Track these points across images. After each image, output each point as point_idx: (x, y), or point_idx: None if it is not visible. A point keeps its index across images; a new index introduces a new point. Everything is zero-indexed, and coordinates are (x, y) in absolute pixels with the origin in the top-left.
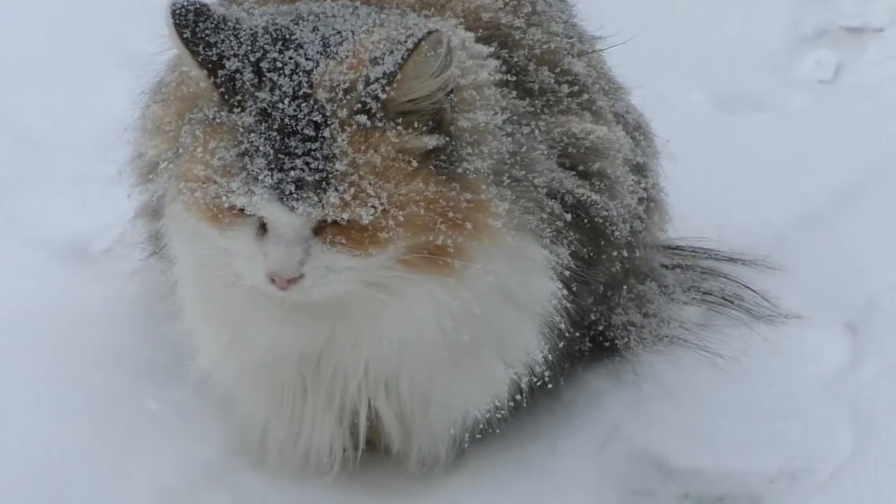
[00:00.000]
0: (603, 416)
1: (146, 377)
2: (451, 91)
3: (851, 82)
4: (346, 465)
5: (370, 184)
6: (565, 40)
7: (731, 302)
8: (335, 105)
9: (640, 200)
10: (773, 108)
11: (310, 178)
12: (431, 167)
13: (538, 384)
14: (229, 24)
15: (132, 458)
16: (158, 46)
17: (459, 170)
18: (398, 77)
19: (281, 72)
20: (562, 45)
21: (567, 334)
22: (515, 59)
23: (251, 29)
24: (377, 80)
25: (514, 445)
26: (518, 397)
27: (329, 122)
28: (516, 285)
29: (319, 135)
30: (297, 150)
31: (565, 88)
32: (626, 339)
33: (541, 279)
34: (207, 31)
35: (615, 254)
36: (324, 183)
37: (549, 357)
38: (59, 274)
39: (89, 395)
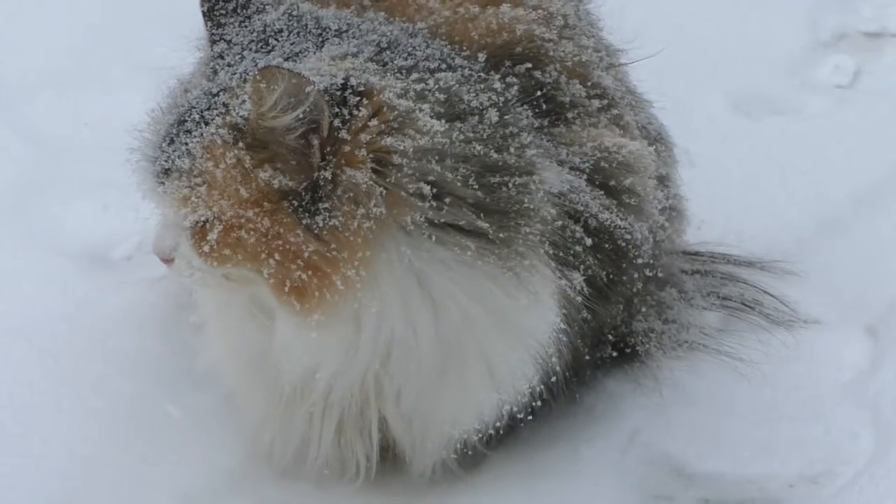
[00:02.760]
0: (623, 421)
1: (167, 384)
2: (323, 139)
3: (870, 86)
4: (369, 474)
5: (204, 192)
6: (595, 54)
7: (750, 307)
8: (216, 113)
9: (662, 210)
10: (792, 112)
11: (167, 166)
12: (285, 204)
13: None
14: (247, 10)
15: (154, 465)
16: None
17: (306, 221)
18: (252, 104)
19: (225, 69)
20: (592, 59)
21: (570, 357)
22: (547, 74)
23: (260, 23)
24: (243, 103)
25: (535, 449)
26: (536, 403)
27: (205, 125)
28: (510, 315)
29: (193, 133)
30: (176, 141)
31: (595, 103)
32: (647, 346)
33: (538, 312)
34: (223, 12)
35: (637, 275)
36: (170, 173)
37: (538, 388)
38: (81, 281)
39: (111, 401)
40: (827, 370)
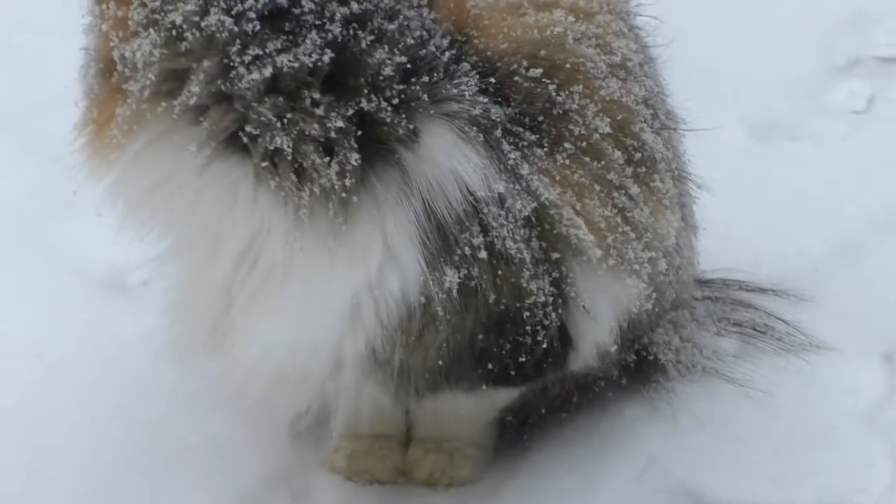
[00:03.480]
0: (639, 447)
1: (184, 409)
2: None
3: (885, 112)
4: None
5: None
6: (645, 107)
7: (763, 333)
8: None
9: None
10: (807, 137)
11: None
12: None
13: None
14: None
15: (170, 490)
16: None
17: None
18: None
19: None
20: (639, 110)
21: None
22: (568, 94)
23: None
24: None
25: (551, 474)
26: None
27: None
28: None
29: None
30: None
31: (620, 154)
32: (668, 356)
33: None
34: None
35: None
36: None
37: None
38: (97, 305)
39: (127, 426)
40: (843, 397)
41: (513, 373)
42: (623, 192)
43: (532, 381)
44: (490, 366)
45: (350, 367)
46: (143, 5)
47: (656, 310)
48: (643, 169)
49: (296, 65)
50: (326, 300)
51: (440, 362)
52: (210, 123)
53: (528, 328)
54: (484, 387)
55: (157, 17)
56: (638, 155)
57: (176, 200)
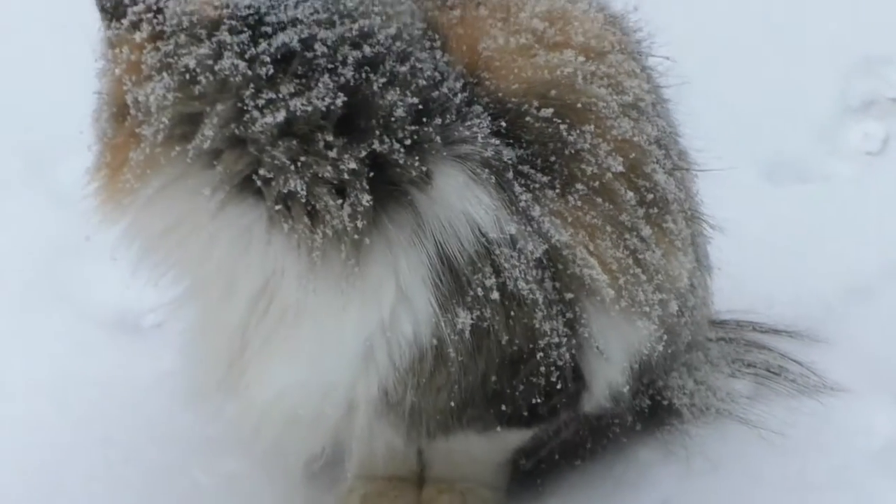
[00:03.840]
0: (653, 489)
1: (197, 451)
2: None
3: None
4: None
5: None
6: (658, 148)
7: (777, 374)
8: None
9: (691, 286)
10: (821, 178)
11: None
12: None
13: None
14: None
15: None
16: None
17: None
18: None
19: None
20: (652, 150)
21: None
22: (579, 134)
23: None
24: None
25: None
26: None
27: None
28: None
29: None
30: None
31: (632, 195)
32: (682, 401)
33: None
34: None
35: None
36: None
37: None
38: (111, 347)
39: (142, 469)
40: (856, 439)
41: (526, 414)
42: (635, 233)
43: (545, 422)
44: (503, 407)
45: (363, 409)
46: (157, 49)
47: (670, 350)
48: (655, 210)
49: (309, 108)
50: (340, 342)
51: (451, 404)
52: (224, 167)
53: (542, 369)
54: (498, 428)
55: (171, 60)
56: (650, 196)
57: (190, 244)
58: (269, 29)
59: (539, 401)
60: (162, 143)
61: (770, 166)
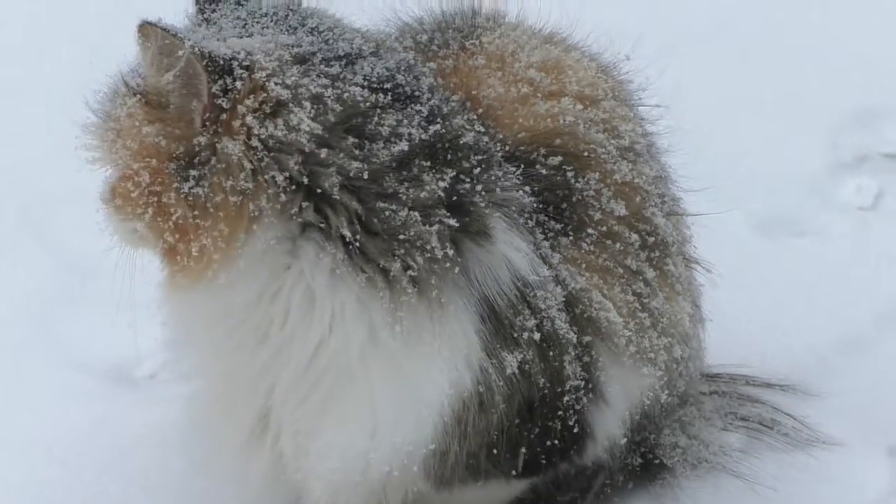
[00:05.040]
0: None
1: (190, 501)
2: (204, 105)
3: (892, 208)
4: None
5: (109, 138)
6: (655, 190)
7: (769, 428)
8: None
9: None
10: (814, 233)
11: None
12: (169, 164)
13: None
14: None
15: None
16: None
17: (177, 184)
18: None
19: None
20: (651, 192)
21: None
22: (586, 180)
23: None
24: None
25: None
26: None
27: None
28: (399, 355)
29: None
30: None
31: (636, 237)
32: (673, 460)
33: (435, 366)
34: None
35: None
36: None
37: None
38: (104, 398)
39: None
40: (849, 492)
41: (543, 460)
42: (640, 277)
43: (552, 469)
44: (523, 450)
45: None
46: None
47: (668, 400)
48: (657, 253)
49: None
50: (420, 400)
51: (484, 449)
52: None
53: (561, 413)
54: (514, 472)
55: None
56: (651, 239)
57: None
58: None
59: (554, 445)
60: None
61: (762, 220)
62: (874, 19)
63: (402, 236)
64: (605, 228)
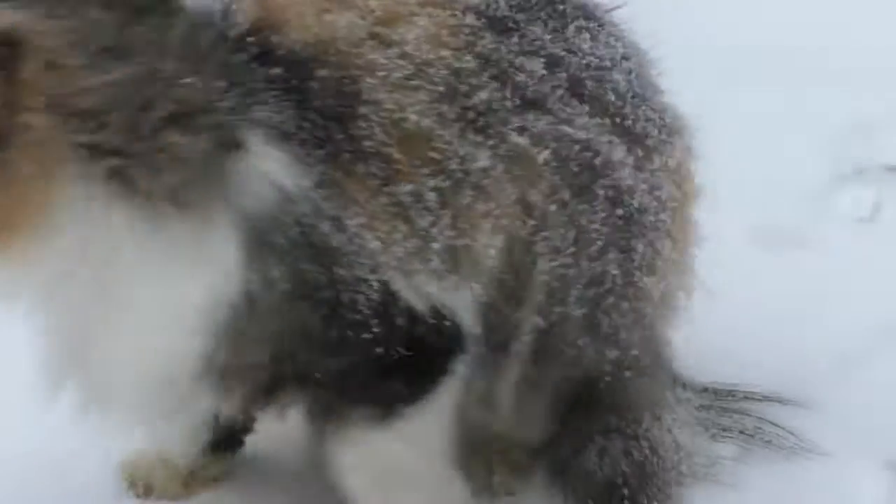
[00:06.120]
0: None
1: None
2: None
3: (890, 220)
4: None
5: None
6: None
7: (763, 440)
8: None
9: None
10: (812, 244)
11: None
12: None
13: None
14: None
15: None
16: None
17: None
18: None
19: None
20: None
21: None
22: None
23: None
24: None
25: None
26: None
27: None
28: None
29: None
30: None
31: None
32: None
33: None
34: None
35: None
36: None
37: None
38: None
39: None
40: None
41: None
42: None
43: (436, 378)
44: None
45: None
46: None
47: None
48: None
49: None
50: (188, 308)
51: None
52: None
53: (367, 310)
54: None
55: None
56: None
57: None
58: None
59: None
60: None
61: (760, 231)
62: (874, 30)
63: (159, 155)
64: (375, 150)
